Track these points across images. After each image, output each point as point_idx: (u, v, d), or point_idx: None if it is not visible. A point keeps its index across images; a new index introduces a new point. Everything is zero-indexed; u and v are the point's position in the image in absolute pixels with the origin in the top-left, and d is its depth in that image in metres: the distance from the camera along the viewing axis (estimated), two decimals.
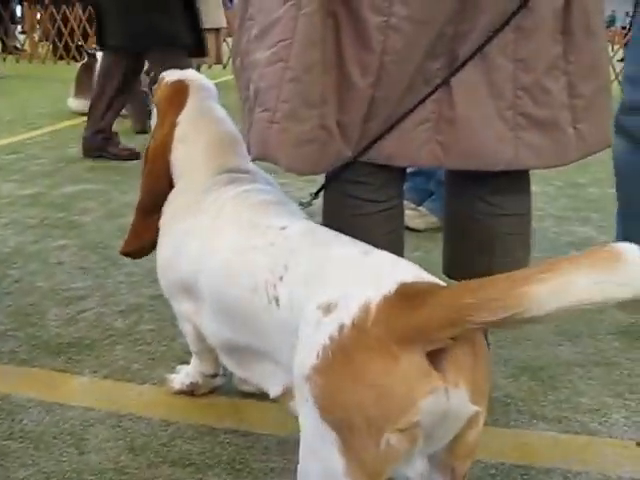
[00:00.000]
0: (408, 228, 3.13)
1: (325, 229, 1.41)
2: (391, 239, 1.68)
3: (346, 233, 1.52)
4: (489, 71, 1.49)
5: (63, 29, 10.65)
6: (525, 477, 1.56)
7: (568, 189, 3.95)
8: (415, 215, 3.18)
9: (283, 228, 1.36)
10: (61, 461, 1.58)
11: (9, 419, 1.74)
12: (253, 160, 1.61)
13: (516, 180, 1.67)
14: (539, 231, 3.17)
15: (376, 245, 1.47)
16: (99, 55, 6.24)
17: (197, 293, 1.52)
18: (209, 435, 1.67)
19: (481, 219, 1.68)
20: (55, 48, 11.24)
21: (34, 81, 8.93)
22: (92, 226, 3.23)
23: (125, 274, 2.63)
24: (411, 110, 1.51)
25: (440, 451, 1.08)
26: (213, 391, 1.82)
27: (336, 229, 1.55)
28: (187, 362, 1.82)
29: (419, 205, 3.25)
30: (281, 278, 1.24)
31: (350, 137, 1.53)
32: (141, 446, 1.64)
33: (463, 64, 1.48)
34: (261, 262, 1.31)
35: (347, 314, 1.03)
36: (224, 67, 8.59)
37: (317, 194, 1.67)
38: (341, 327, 1.02)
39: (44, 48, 11.67)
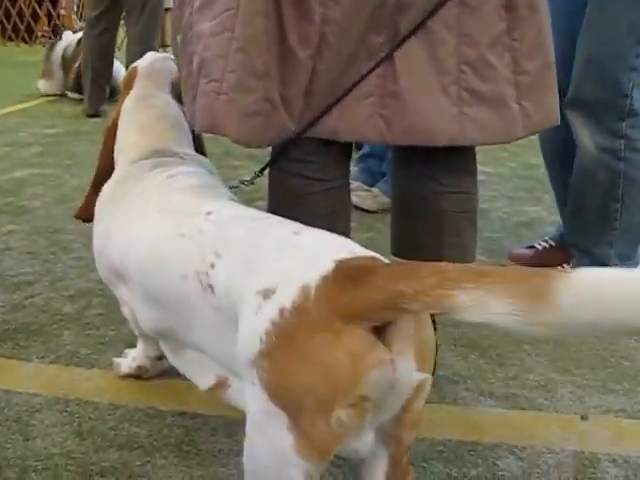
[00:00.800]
0: (361, 209, 3.16)
1: (253, 212, 1.38)
2: (337, 218, 1.67)
3: (291, 212, 1.51)
4: (433, 45, 1.49)
5: (11, 10, 10.39)
6: (472, 453, 1.58)
7: (521, 170, 4.00)
8: (367, 196, 3.20)
9: (209, 213, 1.34)
10: (5, 448, 1.56)
11: None
12: (199, 133, 1.60)
13: (464, 159, 1.68)
14: (491, 211, 3.21)
15: (322, 224, 1.46)
16: (65, 35, 6.17)
17: (128, 280, 1.51)
18: (157, 418, 1.66)
19: (430, 197, 1.68)
20: (3, 29, 10.98)
21: None
22: (42, 211, 3.18)
23: (75, 259, 2.60)
24: (355, 84, 1.50)
25: (387, 422, 1.09)
26: (161, 374, 1.81)
27: (281, 208, 1.54)
28: (136, 346, 1.81)
29: (371, 186, 3.26)
30: (212, 265, 1.22)
31: (293, 110, 1.52)
32: (88, 430, 1.62)
33: (405, 38, 1.47)
34: (190, 250, 1.29)
35: (287, 297, 1.02)
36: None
37: (261, 172, 1.66)
38: (282, 311, 1.02)
39: None
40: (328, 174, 1.64)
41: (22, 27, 10.49)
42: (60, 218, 3.06)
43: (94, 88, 5.30)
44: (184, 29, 1.59)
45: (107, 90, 5.42)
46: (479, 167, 1.76)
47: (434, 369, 1.16)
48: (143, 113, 1.70)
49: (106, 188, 1.65)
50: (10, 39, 10.76)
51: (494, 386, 1.84)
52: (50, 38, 10.73)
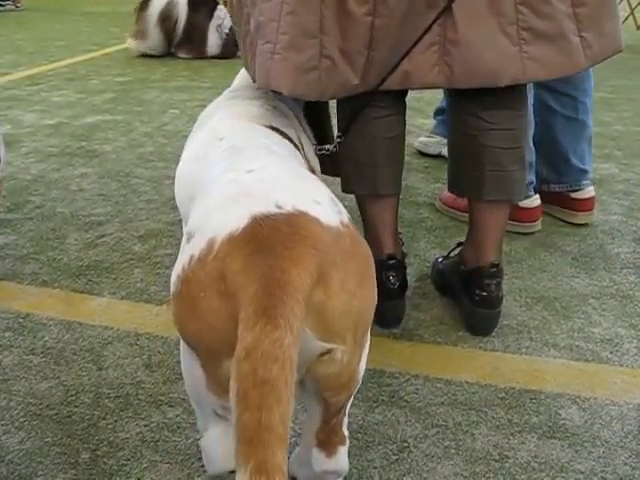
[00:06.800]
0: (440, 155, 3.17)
1: (256, 142, 1.28)
2: (393, 143, 1.77)
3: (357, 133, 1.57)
4: None
5: None
6: (534, 401, 1.58)
7: (593, 126, 3.88)
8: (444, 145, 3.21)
9: (222, 139, 1.30)
10: (81, 375, 1.63)
11: (31, 336, 1.78)
12: (258, 89, 1.65)
13: (508, 97, 1.69)
14: None
15: (380, 148, 1.55)
16: None
17: None
18: None
19: (473, 134, 1.72)
20: None
21: (54, 14, 8.86)
22: (113, 155, 3.25)
23: (144, 201, 2.65)
24: (422, 35, 1.54)
25: (308, 382, 1.06)
26: None
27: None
28: None
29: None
30: (192, 199, 1.20)
31: (355, 64, 1.57)
32: (157, 363, 1.68)
33: None
34: (189, 177, 1.29)
35: (197, 246, 0.99)
36: None
37: (344, 134, 1.72)
38: (190, 258, 0.99)
39: None
40: (384, 103, 1.72)
41: None
42: (130, 162, 3.13)
43: None
44: None
45: None
46: None
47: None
48: None
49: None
50: None
51: (558, 337, 1.83)
52: None
